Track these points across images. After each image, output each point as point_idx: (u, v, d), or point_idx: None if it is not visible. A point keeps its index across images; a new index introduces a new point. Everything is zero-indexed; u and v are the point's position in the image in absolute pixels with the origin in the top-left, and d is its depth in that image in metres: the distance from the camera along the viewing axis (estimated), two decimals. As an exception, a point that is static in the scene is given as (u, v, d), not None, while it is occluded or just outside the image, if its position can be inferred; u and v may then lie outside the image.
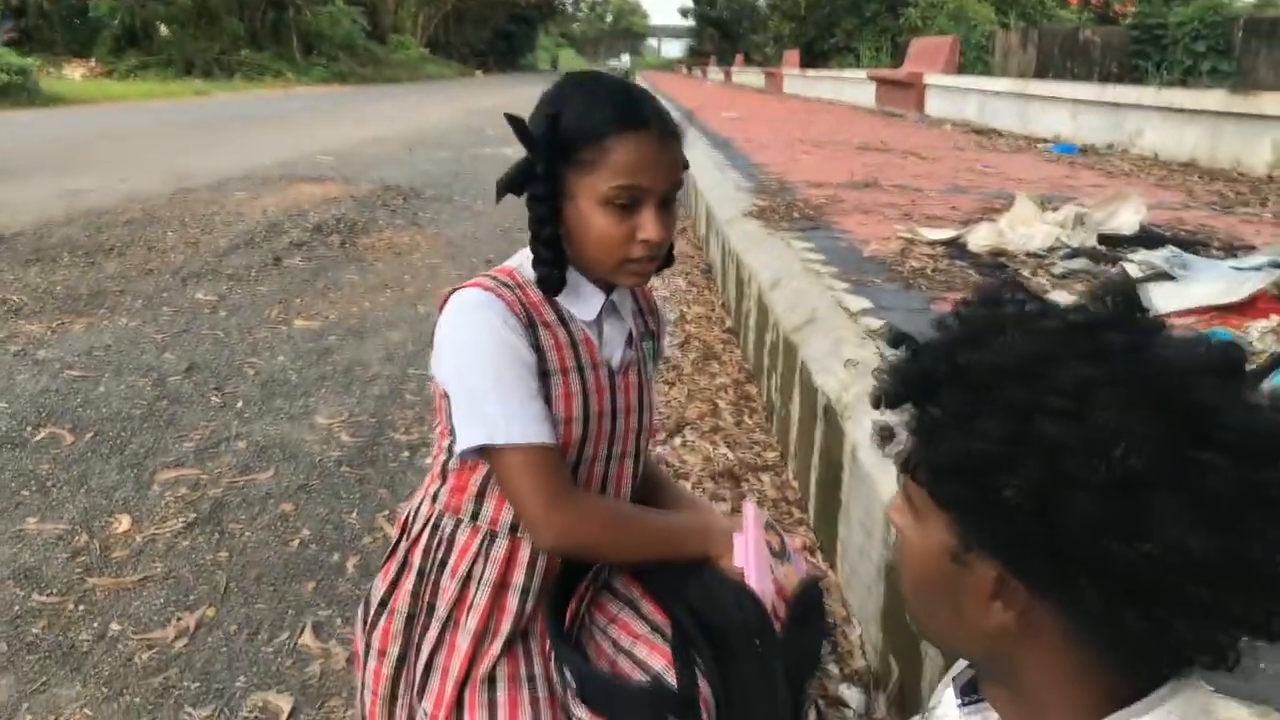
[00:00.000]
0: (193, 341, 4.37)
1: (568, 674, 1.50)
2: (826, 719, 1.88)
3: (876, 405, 0.79)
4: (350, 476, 3.04)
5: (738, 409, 3.66)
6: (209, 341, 4.37)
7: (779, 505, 2.86)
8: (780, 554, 1.54)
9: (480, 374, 1.35)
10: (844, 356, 2.70)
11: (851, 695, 1.94)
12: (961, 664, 0.90)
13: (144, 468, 3.07)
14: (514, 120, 1.37)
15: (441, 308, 1.41)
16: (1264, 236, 4.59)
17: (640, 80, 37.33)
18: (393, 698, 1.60)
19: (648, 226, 1.32)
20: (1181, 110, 8.32)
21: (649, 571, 1.59)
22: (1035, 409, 0.65)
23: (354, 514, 2.80)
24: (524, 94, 27.20)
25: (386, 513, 2.80)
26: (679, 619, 1.50)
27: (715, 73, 43.19)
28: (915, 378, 0.75)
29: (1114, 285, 0.74)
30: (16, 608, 2.31)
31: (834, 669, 2.05)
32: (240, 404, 3.63)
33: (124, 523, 2.72)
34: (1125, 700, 0.70)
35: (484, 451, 1.36)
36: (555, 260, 1.37)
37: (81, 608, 2.32)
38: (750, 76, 32.92)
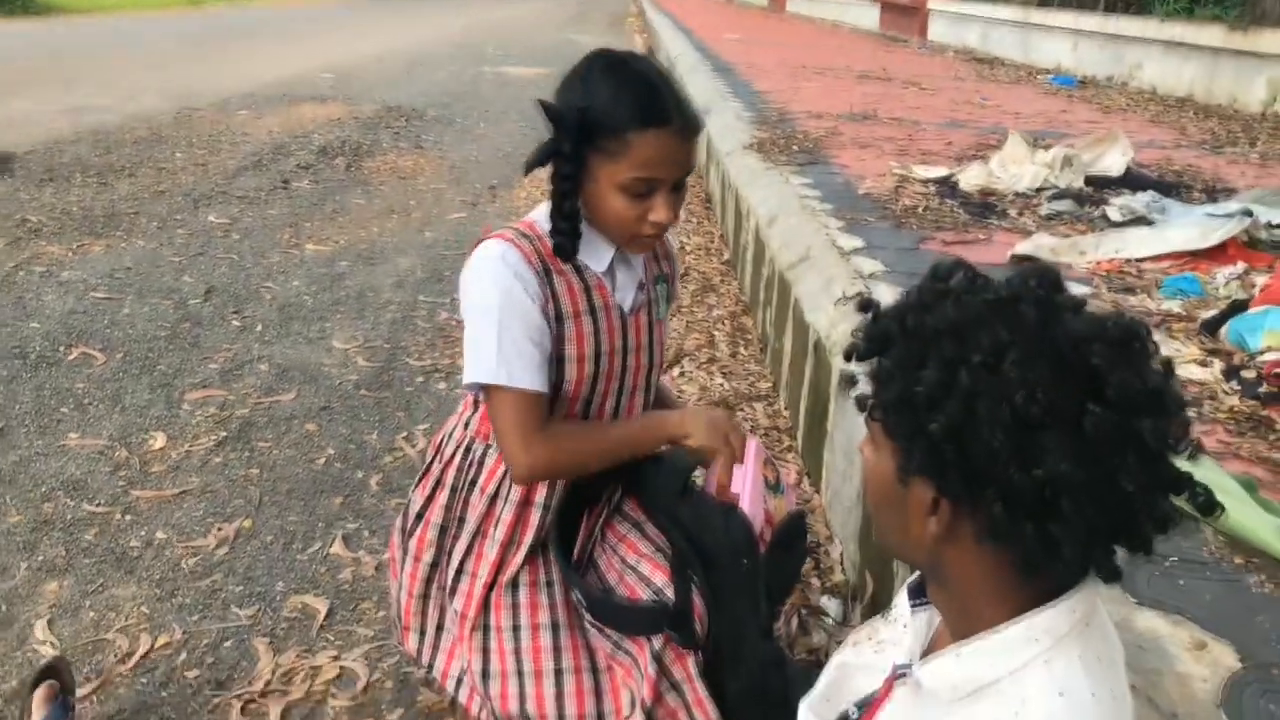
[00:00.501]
0: (209, 265, 4.53)
1: (577, 595, 1.72)
2: (808, 626, 2.11)
3: (848, 358, 0.98)
4: (369, 399, 3.24)
5: (733, 340, 3.85)
6: (225, 265, 4.53)
7: (771, 433, 3.07)
8: (774, 487, 1.74)
9: (484, 321, 1.54)
10: (835, 295, 2.88)
11: (831, 605, 2.17)
12: (916, 574, 1.10)
13: (173, 388, 3.26)
14: (545, 105, 1.52)
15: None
16: (1247, 179, 4.73)
17: (641, -5, 36.46)
18: (425, 597, 1.83)
19: (659, 210, 1.48)
20: (1181, 44, 8.36)
21: (646, 498, 1.80)
22: (960, 362, 0.83)
23: (374, 434, 3.00)
24: (523, 10, 26.34)
25: (405, 434, 3.00)
26: (675, 540, 1.71)
27: (718, -11, 42.35)
28: (875, 336, 0.94)
29: (1040, 270, 0.92)
30: (69, 516, 2.52)
31: (816, 582, 2.28)
32: (260, 327, 3.81)
33: (159, 440, 2.92)
34: (1042, 603, 0.90)
35: (482, 387, 1.56)
36: (571, 231, 1.54)
37: (128, 517, 2.53)
38: (753, -6, 32.34)
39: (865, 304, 0.99)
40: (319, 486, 2.69)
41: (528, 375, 1.53)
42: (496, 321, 1.52)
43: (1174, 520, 0.83)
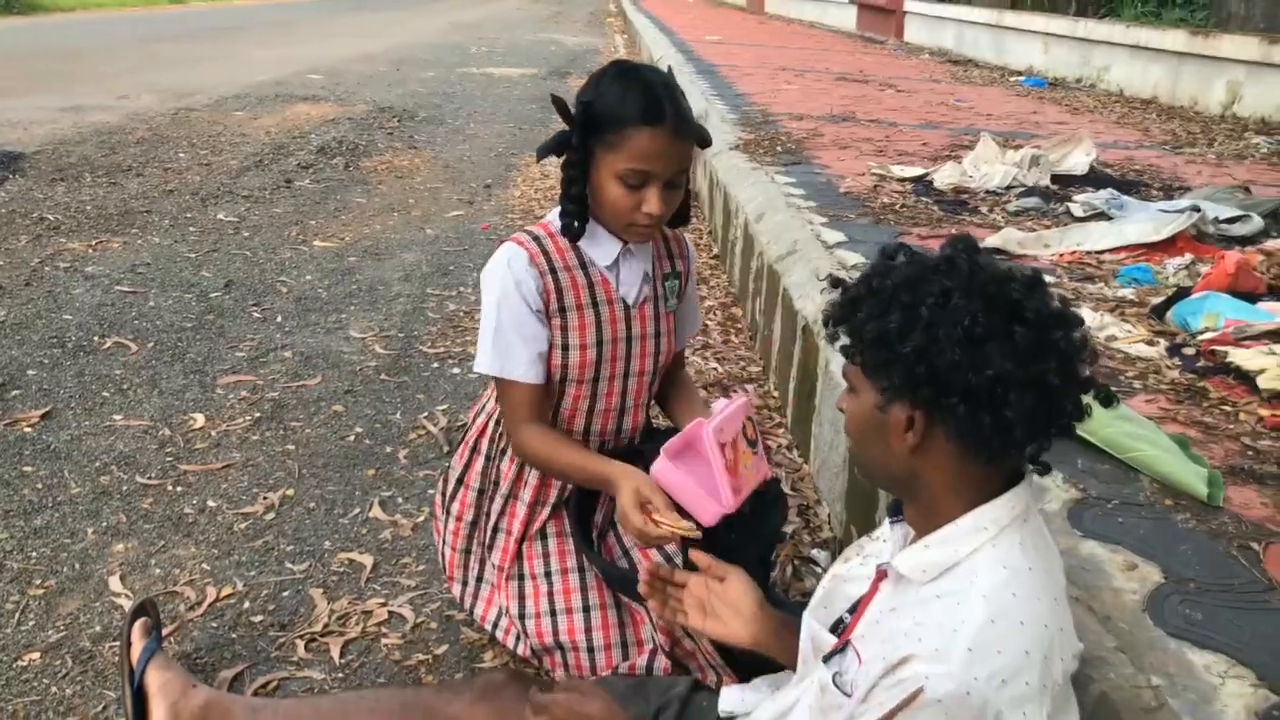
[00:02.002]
0: (224, 260, 4.76)
1: (593, 567, 1.98)
2: (801, 573, 2.38)
3: (827, 323, 1.26)
4: (390, 383, 3.48)
5: (725, 329, 4.12)
6: (239, 260, 4.76)
7: (761, 411, 3.34)
8: (753, 442, 1.96)
9: (489, 319, 1.84)
10: (821, 285, 3.15)
11: (820, 556, 2.44)
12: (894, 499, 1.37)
13: (205, 373, 3.50)
14: (557, 101, 1.78)
15: None
16: (1203, 177, 5.04)
17: (621, -5, 36.64)
18: (467, 551, 2.10)
19: (650, 202, 1.72)
20: (1147, 48, 8.70)
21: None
22: (919, 304, 1.12)
23: (398, 414, 3.25)
24: (501, 9, 26.21)
25: (426, 414, 3.25)
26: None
27: (696, -12, 42.59)
28: (846, 301, 1.22)
29: (962, 239, 1.21)
30: (125, 487, 2.76)
31: (807, 538, 2.55)
32: (280, 318, 4.04)
33: (199, 420, 3.15)
34: (992, 497, 1.17)
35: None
36: (578, 214, 1.80)
37: (179, 488, 2.77)
38: (732, -6, 32.62)
39: (835, 281, 1.29)
40: (352, 460, 2.94)
41: (518, 369, 1.81)
42: (496, 320, 1.82)
43: (1088, 410, 1.13)
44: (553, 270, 1.82)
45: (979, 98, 8.34)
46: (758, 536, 2.02)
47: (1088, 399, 1.14)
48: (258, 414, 3.21)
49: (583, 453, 1.86)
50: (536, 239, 1.85)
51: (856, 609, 1.34)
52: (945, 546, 1.16)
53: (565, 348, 1.85)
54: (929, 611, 1.12)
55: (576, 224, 1.79)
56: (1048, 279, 3.15)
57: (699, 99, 7.57)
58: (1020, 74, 10.47)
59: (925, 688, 1.05)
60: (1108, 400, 1.15)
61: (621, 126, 1.67)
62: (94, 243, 4.91)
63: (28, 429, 3.04)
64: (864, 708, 1.11)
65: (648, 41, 13.99)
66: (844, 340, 1.24)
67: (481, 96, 10.63)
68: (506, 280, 1.80)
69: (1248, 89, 7.48)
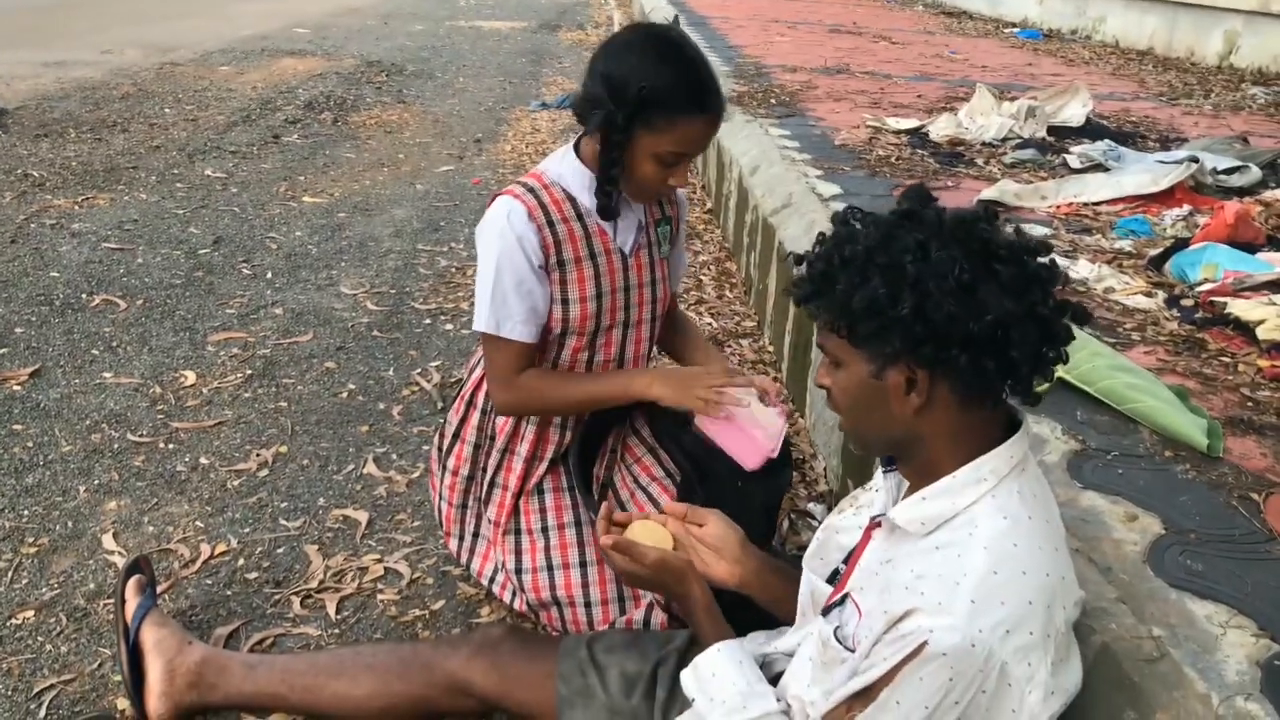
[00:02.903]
0: (213, 216, 4.69)
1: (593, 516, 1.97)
2: (798, 527, 2.38)
3: (798, 303, 1.23)
4: (382, 339, 3.45)
5: (719, 284, 4.09)
6: (227, 216, 4.70)
7: (756, 366, 3.33)
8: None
9: (484, 276, 1.81)
10: (816, 238, 3.12)
11: (817, 510, 2.44)
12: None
13: (195, 330, 3.46)
14: (607, 77, 1.69)
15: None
16: (1199, 129, 5.00)
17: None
18: (463, 506, 2.08)
19: (679, 176, 1.73)
20: (1143, -2, 8.62)
21: (655, 425, 2.05)
22: (899, 263, 1.09)
23: (390, 371, 3.22)
24: (494, -40, 25.40)
25: (419, 370, 3.22)
26: (682, 466, 1.96)
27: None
28: (817, 276, 1.18)
29: (914, 190, 1.18)
30: (117, 445, 2.73)
31: (804, 492, 2.55)
32: (269, 274, 4.00)
33: (190, 377, 3.12)
34: (990, 448, 1.16)
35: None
36: (615, 194, 1.79)
37: (171, 445, 2.75)
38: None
39: (799, 258, 1.25)
40: (345, 416, 2.92)
41: (515, 328, 1.79)
42: (492, 277, 1.79)
43: (1071, 334, 1.13)
44: (550, 223, 1.80)
45: (973, 50, 8.25)
46: (767, 486, 2.01)
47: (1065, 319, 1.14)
48: (249, 371, 3.18)
49: (593, 376, 1.90)
50: (532, 191, 1.82)
51: (850, 560, 1.33)
52: (943, 498, 1.15)
53: (565, 301, 1.83)
54: (929, 563, 1.11)
55: (612, 203, 1.79)
56: (1045, 231, 3.15)
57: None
58: (1015, 26, 10.37)
59: (929, 641, 1.04)
60: (1082, 318, 1.14)
61: (673, 114, 1.65)
62: (80, 199, 4.84)
63: (16, 387, 3.01)
64: (868, 663, 1.10)
65: (639, -7, 13.78)
66: (823, 315, 1.20)
67: (470, 50, 10.50)
68: (507, 236, 1.77)
69: (1245, 39, 7.41)
